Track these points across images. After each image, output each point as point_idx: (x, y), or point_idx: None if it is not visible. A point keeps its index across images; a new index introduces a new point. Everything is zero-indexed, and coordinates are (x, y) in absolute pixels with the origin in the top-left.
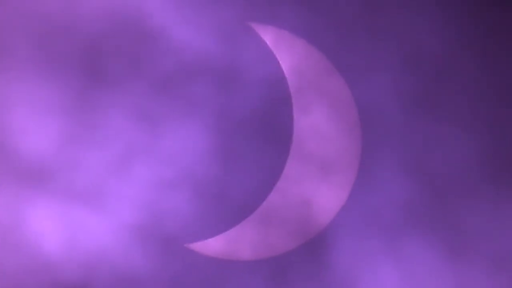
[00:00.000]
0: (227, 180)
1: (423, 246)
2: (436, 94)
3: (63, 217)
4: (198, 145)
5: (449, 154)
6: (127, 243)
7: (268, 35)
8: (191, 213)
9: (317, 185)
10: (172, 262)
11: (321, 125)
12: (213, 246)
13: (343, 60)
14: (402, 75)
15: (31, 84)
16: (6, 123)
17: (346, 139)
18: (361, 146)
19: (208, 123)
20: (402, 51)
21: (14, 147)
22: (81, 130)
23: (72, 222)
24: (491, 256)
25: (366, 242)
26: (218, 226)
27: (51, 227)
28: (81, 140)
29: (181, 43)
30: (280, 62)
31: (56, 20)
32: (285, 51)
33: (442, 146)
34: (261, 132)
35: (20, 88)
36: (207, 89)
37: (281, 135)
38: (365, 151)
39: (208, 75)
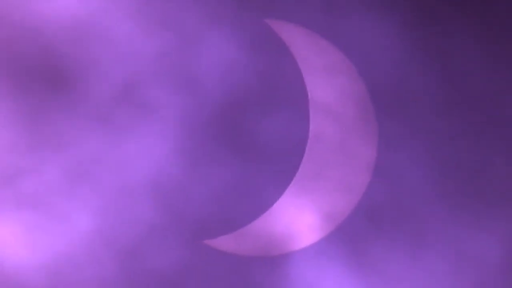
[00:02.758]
0: (190, 187)
1: (387, 250)
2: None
3: (25, 225)
4: (160, 150)
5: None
6: (90, 249)
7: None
8: (153, 220)
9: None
10: (134, 268)
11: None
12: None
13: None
14: (356, 83)
15: None
16: None
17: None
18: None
19: (170, 128)
20: (359, 61)
21: None
22: (40, 136)
23: (34, 230)
24: (450, 259)
25: (328, 248)
26: (181, 234)
27: (13, 237)
28: (40, 146)
29: (141, 46)
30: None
31: (14, 25)
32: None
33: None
34: (225, 138)
35: None
36: (168, 93)
37: (247, 140)
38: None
39: (170, 78)
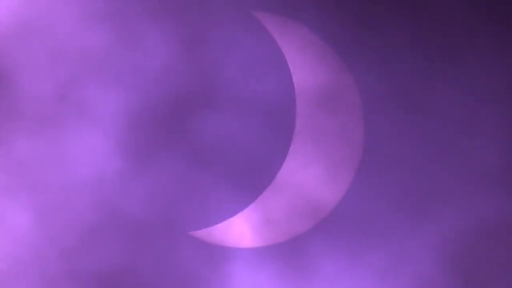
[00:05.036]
0: (130, 186)
1: (325, 250)
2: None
3: None
4: (100, 149)
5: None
6: (32, 248)
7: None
8: (93, 219)
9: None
10: (76, 266)
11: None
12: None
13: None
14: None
15: None
16: None
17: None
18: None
19: (110, 127)
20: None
21: None
22: None
23: None
24: (390, 256)
25: (267, 249)
26: (121, 233)
27: None
28: None
29: (81, 44)
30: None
31: None
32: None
33: None
34: (166, 137)
35: None
36: (109, 91)
37: (188, 139)
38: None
39: (110, 76)
